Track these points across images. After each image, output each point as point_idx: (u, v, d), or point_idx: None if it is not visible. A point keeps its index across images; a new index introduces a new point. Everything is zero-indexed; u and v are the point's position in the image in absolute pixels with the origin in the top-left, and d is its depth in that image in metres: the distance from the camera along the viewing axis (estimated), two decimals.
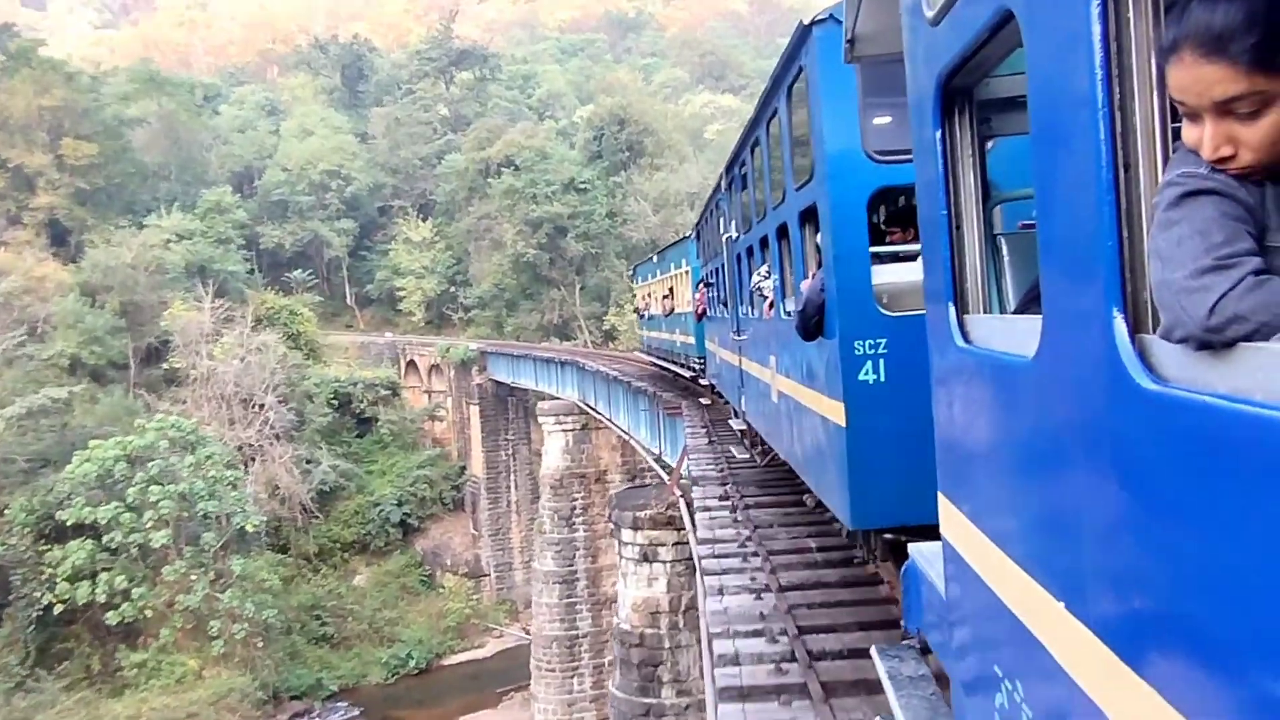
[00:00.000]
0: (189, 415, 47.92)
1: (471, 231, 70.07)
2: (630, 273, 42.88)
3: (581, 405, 37.38)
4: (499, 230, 65.55)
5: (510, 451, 53.65)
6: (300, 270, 73.56)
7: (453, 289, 73.83)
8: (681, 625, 19.88)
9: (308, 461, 51.64)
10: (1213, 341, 1.37)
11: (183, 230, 60.24)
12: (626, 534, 20.84)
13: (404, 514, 53.72)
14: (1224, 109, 1.48)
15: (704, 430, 17.12)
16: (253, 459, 48.74)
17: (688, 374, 21.89)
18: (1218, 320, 1.36)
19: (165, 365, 51.27)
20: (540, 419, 39.30)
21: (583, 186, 65.64)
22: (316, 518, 50.58)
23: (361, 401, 56.53)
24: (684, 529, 17.95)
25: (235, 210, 66.74)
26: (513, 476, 53.55)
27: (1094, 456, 1.68)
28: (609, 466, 38.29)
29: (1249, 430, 1.20)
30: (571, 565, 37.99)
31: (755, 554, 8.38)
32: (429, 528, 55.11)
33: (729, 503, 10.65)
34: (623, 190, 66.96)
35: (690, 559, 17.24)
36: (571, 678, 37.71)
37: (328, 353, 64.10)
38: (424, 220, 76.70)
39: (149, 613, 38.55)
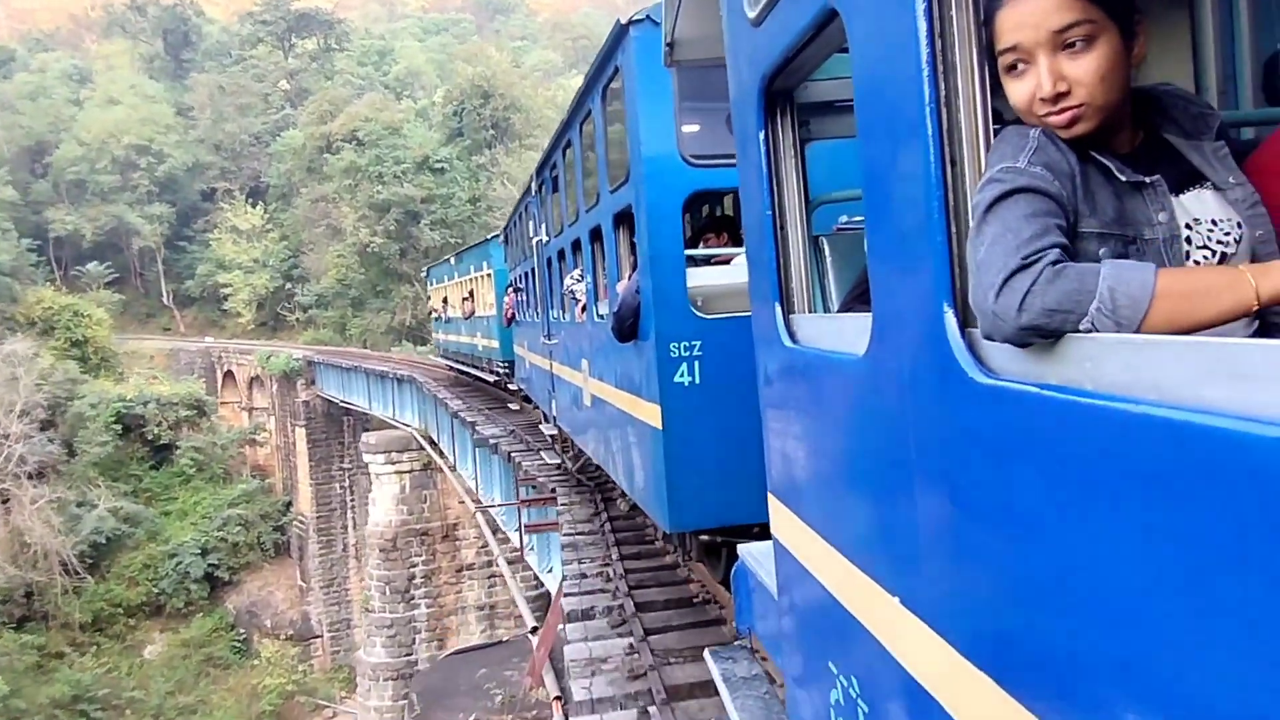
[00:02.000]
0: None
1: (308, 218, 57.66)
2: (424, 274, 36.93)
3: (420, 438, 26.68)
4: (338, 215, 53.52)
5: (346, 484, 42.08)
6: (97, 263, 59.44)
7: (289, 285, 61.13)
8: None
9: (78, 505, 38.84)
10: (1030, 340, 1.35)
11: None
12: None
13: (210, 565, 41.40)
14: (1057, 42, 1.50)
15: (599, 558, 7.23)
16: None
17: (491, 379, 19.89)
18: (1028, 318, 1.34)
19: None
20: (366, 458, 28.28)
21: (439, 166, 54.32)
22: (83, 578, 37.77)
23: (158, 424, 43.72)
24: None
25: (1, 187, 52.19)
26: (349, 514, 42.01)
27: (927, 451, 1.64)
28: (461, 519, 27.68)
29: (1079, 420, 1.19)
30: (410, 654, 27.25)
31: None
32: (244, 580, 42.90)
33: None
34: (487, 172, 55.83)
35: None
36: None
37: (126, 362, 50.91)
38: (254, 206, 63.58)
39: None
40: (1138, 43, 1.55)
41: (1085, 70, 1.49)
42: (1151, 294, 1.31)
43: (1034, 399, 1.29)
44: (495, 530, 18.29)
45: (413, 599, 27.41)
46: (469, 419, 17.24)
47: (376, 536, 27.48)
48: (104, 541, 39.11)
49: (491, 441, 14.17)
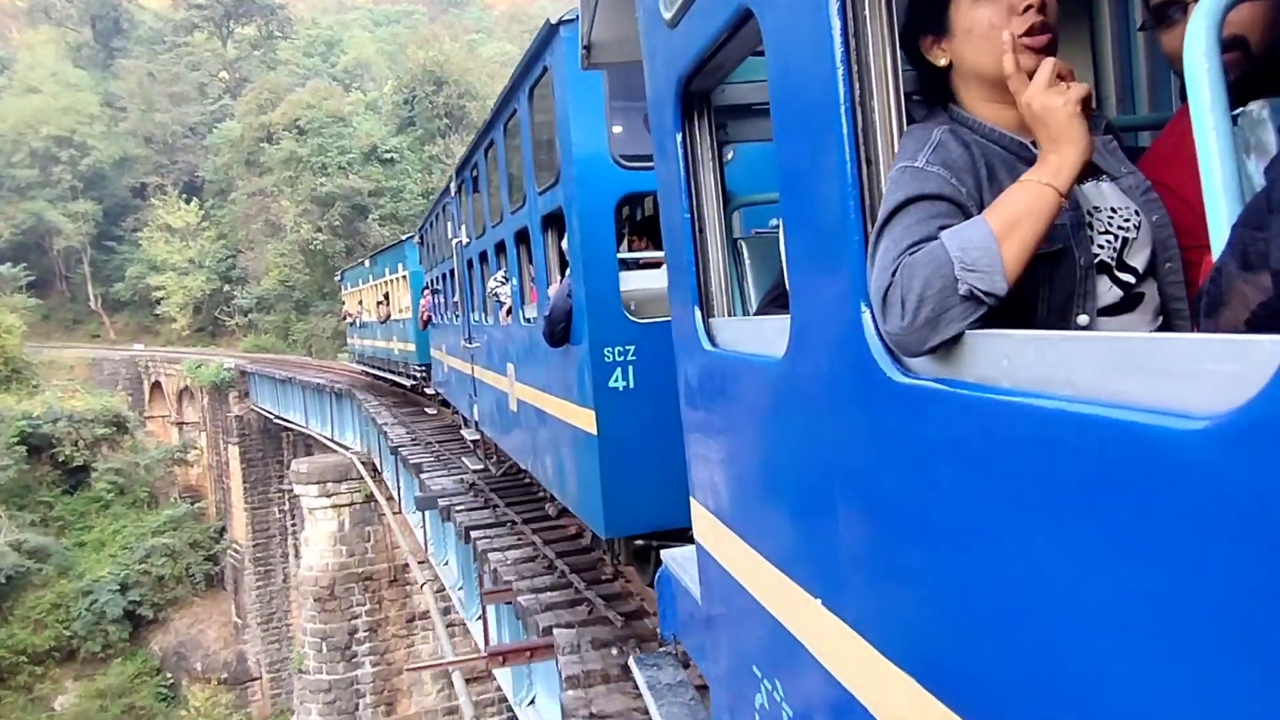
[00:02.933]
0: None
1: (246, 213, 52.27)
2: (339, 278, 34.12)
3: (360, 465, 22.03)
4: (277, 210, 48.30)
5: (286, 507, 37.04)
6: (12, 265, 53.43)
7: (227, 287, 55.60)
8: None
9: None
10: (938, 341, 1.32)
11: None
12: None
13: (131, 602, 36.15)
14: None
15: None
16: None
17: (408, 383, 18.73)
18: (911, 311, 1.32)
19: None
20: (298, 489, 23.50)
21: (388, 156, 49.39)
22: None
23: (72, 444, 38.30)
24: None
25: None
26: (290, 540, 36.97)
27: (847, 451, 1.62)
28: (412, 560, 23.00)
29: (995, 418, 1.18)
30: None
31: None
32: (171, 618, 37.67)
33: None
34: (441, 164, 50.97)
35: None
36: None
37: (44, 374, 45.22)
38: (189, 202, 57.90)
39: None
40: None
41: None
42: (993, 235, 1.32)
43: (951, 398, 1.28)
44: (444, 596, 13.82)
45: (355, 656, 22.72)
46: (413, 459, 12.71)
47: (311, 583, 22.72)
48: (4, 580, 33.72)
49: (442, 503, 9.72)
